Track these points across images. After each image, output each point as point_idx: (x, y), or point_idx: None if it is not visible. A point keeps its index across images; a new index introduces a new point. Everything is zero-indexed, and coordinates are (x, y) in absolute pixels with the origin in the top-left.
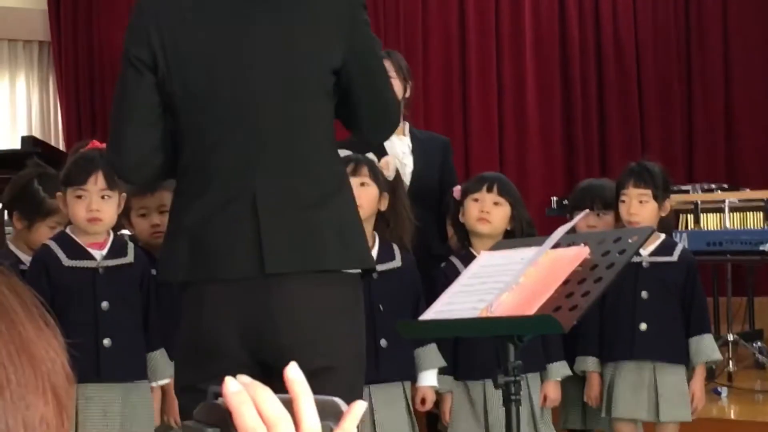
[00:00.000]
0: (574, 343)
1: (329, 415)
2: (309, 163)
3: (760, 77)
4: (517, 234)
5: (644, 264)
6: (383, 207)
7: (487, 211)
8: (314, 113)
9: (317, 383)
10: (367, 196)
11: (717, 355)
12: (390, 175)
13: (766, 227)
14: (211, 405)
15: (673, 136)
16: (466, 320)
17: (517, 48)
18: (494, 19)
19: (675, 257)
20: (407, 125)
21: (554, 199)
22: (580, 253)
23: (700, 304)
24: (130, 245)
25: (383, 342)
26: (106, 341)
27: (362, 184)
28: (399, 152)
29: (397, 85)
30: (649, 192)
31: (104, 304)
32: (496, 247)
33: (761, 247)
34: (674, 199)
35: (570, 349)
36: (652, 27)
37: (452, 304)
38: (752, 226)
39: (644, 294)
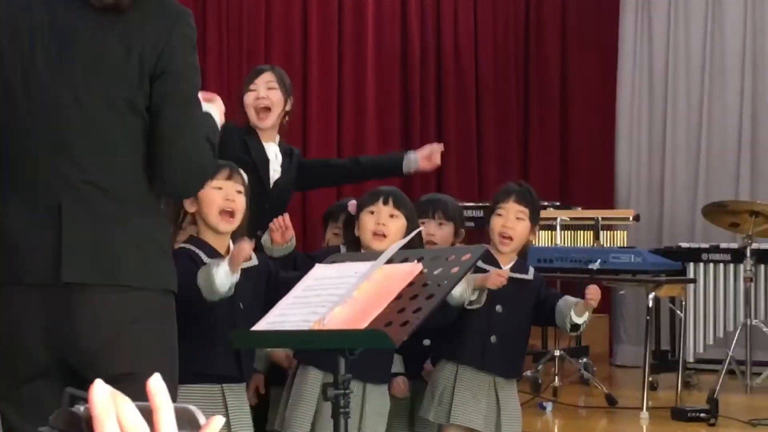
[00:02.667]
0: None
1: (185, 424)
2: (116, 180)
3: (595, 100)
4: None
5: (509, 280)
6: None
7: (383, 223)
8: (123, 131)
9: (119, 389)
10: (240, 204)
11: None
12: None
13: (595, 246)
14: (68, 412)
15: (509, 155)
16: (298, 332)
17: (359, 62)
18: (337, 33)
19: (531, 275)
20: (278, 137)
21: None
22: (413, 269)
23: (554, 293)
24: None
25: None
26: None
27: (232, 195)
28: (272, 155)
29: (277, 96)
30: (527, 211)
31: None
32: (331, 261)
33: (590, 266)
34: None
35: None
36: (493, 48)
37: (285, 316)
38: (582, 245)
39: (499, 308)
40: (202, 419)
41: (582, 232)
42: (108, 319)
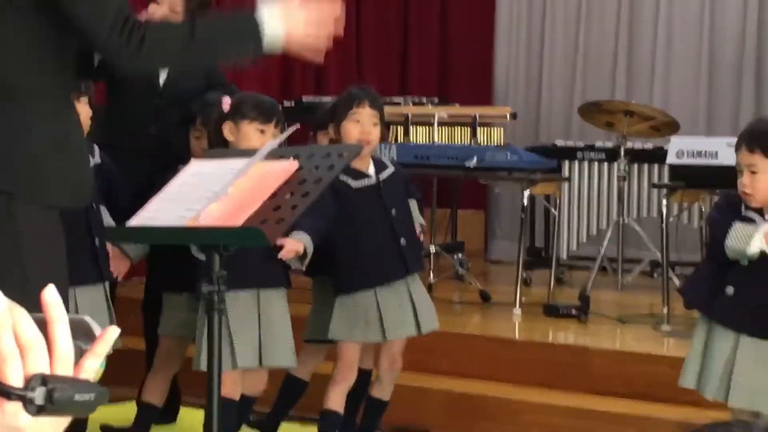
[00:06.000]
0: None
1: (79, 335)
2: None
3: None
4: None
5: (382, 184)
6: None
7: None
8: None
9: None
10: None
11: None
12: None
13: (472, 144)
14: None
15: (389, 50)
16: (173, 228)
17: None
18: None
19: (392, 168)
20: None
21: None
22: (289, 167)
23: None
24: None
25: None
26: None
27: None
28: None
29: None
30: (379, 115)
31: None
32: (207, 156)
33: (466, 163)
34: (386, 112)
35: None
36: None
37: (159, 212)
38: (460, 142)
39: (393, 211)
40: (97, 330)
41: (459, 128)
42: None
